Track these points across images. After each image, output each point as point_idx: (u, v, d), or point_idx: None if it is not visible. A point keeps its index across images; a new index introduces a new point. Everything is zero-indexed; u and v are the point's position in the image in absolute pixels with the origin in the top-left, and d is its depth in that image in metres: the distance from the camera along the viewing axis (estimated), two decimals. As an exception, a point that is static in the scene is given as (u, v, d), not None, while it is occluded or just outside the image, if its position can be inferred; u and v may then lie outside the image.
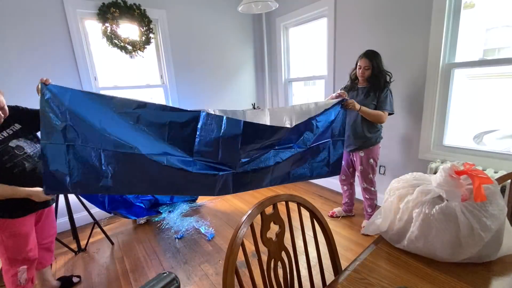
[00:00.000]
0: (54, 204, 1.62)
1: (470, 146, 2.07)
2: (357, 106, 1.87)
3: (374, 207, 2.27)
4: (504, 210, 0.79)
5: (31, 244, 1.43)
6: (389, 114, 2.02)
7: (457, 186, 0.79)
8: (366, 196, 2.24)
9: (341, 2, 2.60)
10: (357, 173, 2.24)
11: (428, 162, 2.15)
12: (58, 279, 1.82)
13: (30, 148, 1.36)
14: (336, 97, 1.83)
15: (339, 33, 2.69)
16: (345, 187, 2.42)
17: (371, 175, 2.16)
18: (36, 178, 1.33)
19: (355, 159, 2.20)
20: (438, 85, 2.06)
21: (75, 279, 1.86)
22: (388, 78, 2.02)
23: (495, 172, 1.81)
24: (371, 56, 1.95)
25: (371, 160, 2.12)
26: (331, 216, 2.53)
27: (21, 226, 1.37)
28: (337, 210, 2.56)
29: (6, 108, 1.25)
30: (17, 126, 1.36)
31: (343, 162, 2.06)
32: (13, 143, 1.30)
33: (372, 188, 2.20)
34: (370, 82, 2.02)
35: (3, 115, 1.23)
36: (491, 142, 2.07)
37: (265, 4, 2.33)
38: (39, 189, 1.32)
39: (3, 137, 1.28)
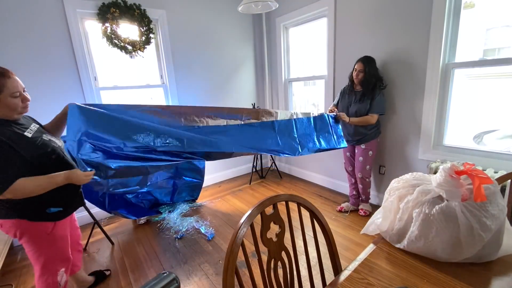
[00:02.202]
0: None
1: (470, 146, 2.07)
2: (347, 119, 2.27)
3: (368, 195, 2.53)
4: (504, 210, 0.79)
5: (69, 246, 1.45)
6: (380, 114, 2.27)
7: (457, 186, 0.79)
8: (360, 185, 2.49)
9: (341, 2, 2.60)
10: (356, 163, 2.48)
11: (428, 162, 2.15)
12: (91, 274, 1.86)
13: (57, 141, 1.35)
14: (330, 111, 2.41)
15: (339, 33, 2.69)
16: (352, 179, 2.60)
17: (369, 166, 2.40)
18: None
19: (357, 151, 2.44)
20: (438, 85, 2.06)
21: (106, 272, 1.91)
22: (379, 84, 2.24)
23: (495, 172, 1.81)
24: (365, 62, 2.18)
25: (370, 152, 2.36)
26: (340, 211, 2.63)
27: (64, 227, 1.38)
28: (345, 204, 2.66)
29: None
30: (36, 125, 1.33)
31: (348, 154, 2.55)
32: (46, 137, 1.28)
33: (367, 179, 2.45)
34: (363, 86, 2.24)
35: (28, 101, 1.21)
36: (491, 142, 2.07)
37: (265, 4, 2.33)
38: (76, 170, 1.28)
39: (33, 131, 1.23)
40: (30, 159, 1.17)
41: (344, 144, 2.35)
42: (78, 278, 1.72)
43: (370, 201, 2.62)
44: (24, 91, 1.20)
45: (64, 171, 1.24)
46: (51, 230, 1.30)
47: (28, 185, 1.13)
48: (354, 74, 2.24)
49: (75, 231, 1.63)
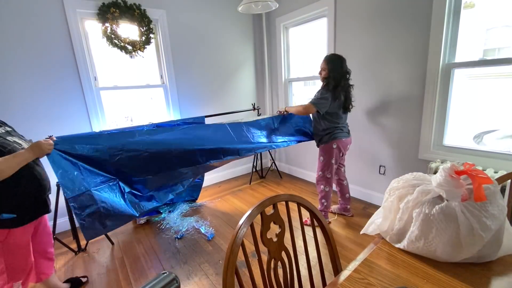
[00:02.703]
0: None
1: (470, 146, 2.07)
2: (282, 109, 2.44)
3: (321, 205, 2.35)
4: (504, 210, 0.79)
5: (30, 255, 1.40)
6: (316, 108, 2.12)
7: (457, 186, 0.79)
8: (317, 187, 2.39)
9: (341, 2, 2.60)
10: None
11: (428, 162, 2.15)
12: (66, 281, 1.79)
13: (26, 144, 1.38)
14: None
15: (339, 33, 2.69)
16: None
17: (321, 172, 2.29)
18: (36, 173, 1.34)
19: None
20: (438, 85, 2.06)
21: (83, 279, 1.85)
22: (338, 83, 2.09)
23: (495, 172, 1.81)
24: (327, 60, 2.12)
25: (321, 158, 2.28)
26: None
27: (21, 235, 1.32)
28: (333, 207, 2.58)
29: None
30: (9, 128, 1.38)
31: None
32: (10, 139, 1.30)
33: (320, 185, 2.32)
34: (324, 83, 2.17)
35: None
36: (491, 142, 2.07)
37: (265, 4, 2.33)
38: (37, 141, 1.29)
39: None
40: None
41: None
42: (50, 286, 1.64)
43: (370, 201, 2.60)
44: None
45: (27, 147, 1.26)
46: (4, 238, 1.24)
47: None
48: (319, 72, 2.21)
49: (45, 238, 1.55)
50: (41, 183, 1.36)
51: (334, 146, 2.20)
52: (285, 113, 2.46)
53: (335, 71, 2.08)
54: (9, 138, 1.30)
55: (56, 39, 2.29)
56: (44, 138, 1.42)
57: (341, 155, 2.28)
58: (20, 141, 1.34)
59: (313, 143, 2.46)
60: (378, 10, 2.33)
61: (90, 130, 2.46)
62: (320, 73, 2.18)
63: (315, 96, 2.15)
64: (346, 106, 2.16)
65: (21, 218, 1.29)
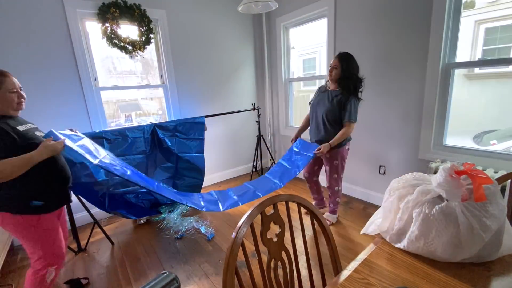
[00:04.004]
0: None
1: (470, 146, 2.07)
2: (325, 149, 2.02)
3: (336, 204, 2.37)
4: (504, 210, 0.79)
5: (62, 240, 1.49)
6: (353, 122, 2.03)
7: (457, 186, 0.79)
8: (329, 193, 2.35)
9: (341, 2, 2.60)
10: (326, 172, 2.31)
11: (428, 162, 2.15)
12: (66, 282, 1.80)
13: None
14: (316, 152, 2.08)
15: (339, 33, 2.69)
16: (307, 185, 2.53)
17: (336, 175, 2.24)
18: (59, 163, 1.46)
19: (323, 159, 2.27)
20: (438, 85, 2.06)
21: (83, 281, 1.84)
22: (357, 85, 2.00)
23: (495, 172, 1.81)
24: (342, 57, 1.98)
25: (335, 162, 2.19)
26: None
27: (52, 221, 1.42)
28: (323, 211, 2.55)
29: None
30: (34, 125, 1.46)
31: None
32: (38, 134, 1.40)
33: (335, 187, 2.28)
34: (340, 85, 2.02)
35: (23, 99, 1.35)
36: (491, 142, 2.07)
37: (265, 4, 2.33)
38: (45, 141, 1.33)
39: (27, 128, 1.36)
40: (20, 148, 1.24)
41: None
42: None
43: (370, 201, 2.61)
44: (20, 89, 1.34)
45: (39, 147, 1.30)
46: (36, 223, 1.34)
47: (1, 164, 1.16)
48: (328, 71, 2.06)
49: (64, 228, 1.64)
50: (65, 175, 1.49)
51: (347, 148, 2.20)
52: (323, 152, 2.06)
53: (353, 69, 1.97)
54: (37, 133, 1.39)
55: (56, 39, 2.29)
56: (67, 129, 1.67)
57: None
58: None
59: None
60: (378, 10, 2.33)
61: (90, 130, 2.46)
62: (330, 72, 2.04)
63: (350, 110, 1.97)
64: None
65: (48, 205, 1.39)
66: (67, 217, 1.86)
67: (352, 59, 1.99)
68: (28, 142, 1.29)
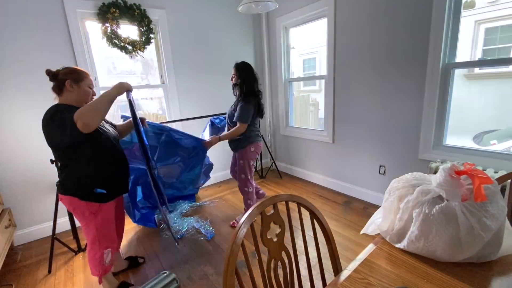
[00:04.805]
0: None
1: (470, 146, 2.07)
2: (215, 141, 2.21)
3: (248, 206, 2.39)
4: (504, 210, 0.79)
5: (114, 229, 1.65)
6: (243, 123, 2.15)
7: (457, 186, 0.79)
8: (241, 193, 2.40)
9: (341, 2, 2.60)
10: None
11: (428, 162, 2.15)
12: (126, 259, 2.00)
13: (112, 132, 1.61)
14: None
15: (339, 33, 2.69)
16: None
17: (243, 175, 2.30)
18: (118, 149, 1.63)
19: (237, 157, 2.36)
20: (438, 85, 2.06)
21: (140, 260, 2.03)
22: (248, 91, 2.17)
23: (495, 172, 1.81)
24: (237, 67, 2.21)
25: (241, 162, 2.28)
26: (232, 226, 2.47)
27: (109, 210, 1.55)
28: (239, 217, 2.54)
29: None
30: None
31: (231, 158, 2.51)
32: (105, 124, 1.61)
33: (245, 188, 2.33)
34: (235, 91, 2.26)
35: (94, 96, 1.51)
36: (491, 142, 2.07)
37: (265, 4, 2.33)
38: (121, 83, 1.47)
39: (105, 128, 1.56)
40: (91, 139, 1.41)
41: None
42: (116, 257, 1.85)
43: (370, 201, 2.61)
44: (92, 88, 1.52)
45: (115, 86, 1.46)
46: (96, 211, 1.48)
47: (86, 107, 1.29)
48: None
49: (121, 215, 1.82)
50: (125, 164, 1.64)
51: (252, 149, 2.26)
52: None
53: (245, 78, 2.18)
54: (107, 125, 1.58)
55: (56, 39, 2.29)
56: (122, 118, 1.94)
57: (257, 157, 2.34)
58: (110, 128, 1.60)
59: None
60: (378, 10, 2.33)
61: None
62: (231, 80, 2.26)
63: (238, 114, 2.14)
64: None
65: (110, 194, 1.53)
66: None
67: (247, 70, 2.22)
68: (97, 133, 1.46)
